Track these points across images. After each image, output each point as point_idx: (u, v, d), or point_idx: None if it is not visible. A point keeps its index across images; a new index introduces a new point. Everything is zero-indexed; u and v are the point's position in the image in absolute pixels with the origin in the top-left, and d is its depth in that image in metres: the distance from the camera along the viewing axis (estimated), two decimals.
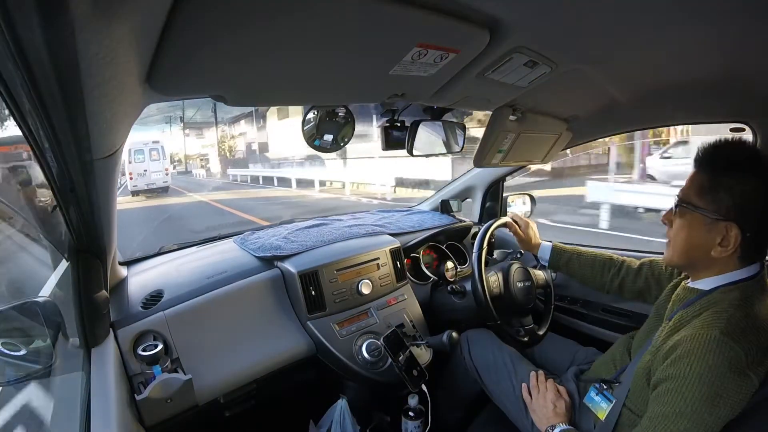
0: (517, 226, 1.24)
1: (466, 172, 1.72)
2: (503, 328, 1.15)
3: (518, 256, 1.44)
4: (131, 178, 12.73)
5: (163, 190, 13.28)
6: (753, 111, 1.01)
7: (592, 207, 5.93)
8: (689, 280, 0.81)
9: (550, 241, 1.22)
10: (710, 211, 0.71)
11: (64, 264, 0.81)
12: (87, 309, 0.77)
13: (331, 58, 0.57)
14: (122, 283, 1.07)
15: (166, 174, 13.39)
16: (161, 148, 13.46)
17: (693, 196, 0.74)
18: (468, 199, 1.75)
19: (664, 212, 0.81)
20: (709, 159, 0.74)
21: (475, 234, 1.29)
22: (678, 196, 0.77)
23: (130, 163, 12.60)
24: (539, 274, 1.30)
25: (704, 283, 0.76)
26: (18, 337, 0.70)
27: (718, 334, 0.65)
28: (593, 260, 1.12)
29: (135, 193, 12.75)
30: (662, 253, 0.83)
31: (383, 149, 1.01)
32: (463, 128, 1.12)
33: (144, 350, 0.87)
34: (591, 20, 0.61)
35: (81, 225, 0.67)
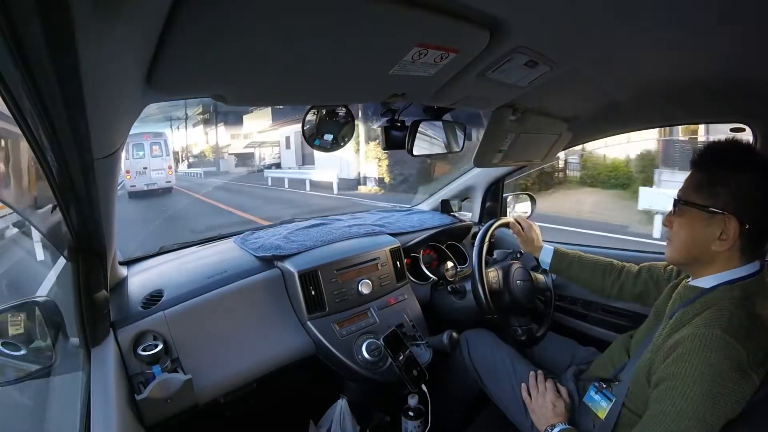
0: (519, 227, 1.24)
1: (465, 171, 1.72)
2: (503, 327, 1.15)
3: (518, 256, 1.44)
4: (129, 177, 10.94)
5: (166, 191, 11.71)
6: (753, 111, 1.01)
7: None
8: (690, 278, 0.81)
9: (552, 244, 1.22)
10: (708, 205, 0.73)
11: (62, 261, 0.81)
12: (87, 309, 0.77)
13: (331, 58, 0.57)
14: (122, 282, 1.07)
15: (169, 172, 11.79)
16: (164, 143, 11.70)
17: (691, 194, 0.76)
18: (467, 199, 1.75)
19: (665, 216, 0.82)
20: (705, 158, 0.76)
21: (475, 234, 1.30)
22: (676, 196, 0.79)
23: (127, 159, 10.92)
24: (539, 277, 1.30)
25: (705, 281, 0.76)
26: (18, 337, 0.70)
27: (720, 333, 0.65)
28: (594, 265, 1.12)
29: (133, 195, 11.15)
30: (662, 254, 0.83)
31: (383, 149, 1.01)
32: (464, 128, 1.12)
33: (144, 350, 0.87)
34: (591, 20, 0.61)
35: (81, 225, 0.67)
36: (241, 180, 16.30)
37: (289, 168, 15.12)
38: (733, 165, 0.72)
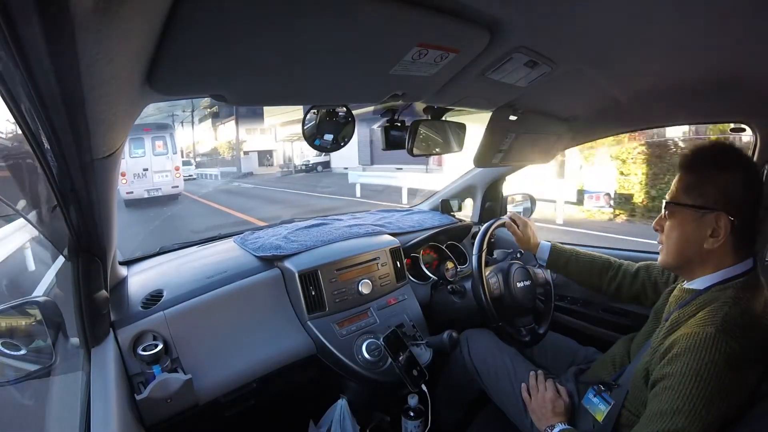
0: (515, 226, 1.24)
1: (466, 172, 1.72)
2: (503, 328, 1.15)
3: (518, 255, 1.44)
4: (125, 182, 8.33)
5: (171, 198, 9.11)
6: (753, 111, 1.01)
7: None
8: (685, 282, 0.81)
9: (549, 242, 1.22)
10: (698, 205, 0.74)
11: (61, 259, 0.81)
12: (87, 309, 0.77)
13: (331, 58, 0.57)
14: (122, 282, 1.07)
15: (176, 175, 9.06)
16: (169, 137, 9.01)
17: (681, 196, 0.77)
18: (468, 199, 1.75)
19: (655, 220, 0.82)
20: (692, 160, 0.78)
21: (475, 234, 1.30)
22: (665, 199, 0.79)
23: (122, 158, 6.62)
24: (539, 273, 1.29)
25: (699, 283, 0.77)
26: (18, 337, 0.70)
27: (714, 331, 0.65)
28: (591, 262, 1.12)
29: (130, 203, 8.40)
30: (658, 253, 0.84)
31: (383, 149, 1.01)
32: (464, 128, 1.12)
33: (144, 350, 0.87)
34: (591, 20, 0.61)
35: (81, 225, 0.67)
36: (291, 185, 11.82)
37: (345, 168, 10.88)
38: (720, 165, 0.74)
